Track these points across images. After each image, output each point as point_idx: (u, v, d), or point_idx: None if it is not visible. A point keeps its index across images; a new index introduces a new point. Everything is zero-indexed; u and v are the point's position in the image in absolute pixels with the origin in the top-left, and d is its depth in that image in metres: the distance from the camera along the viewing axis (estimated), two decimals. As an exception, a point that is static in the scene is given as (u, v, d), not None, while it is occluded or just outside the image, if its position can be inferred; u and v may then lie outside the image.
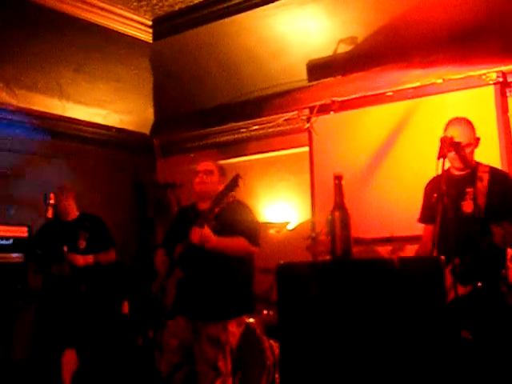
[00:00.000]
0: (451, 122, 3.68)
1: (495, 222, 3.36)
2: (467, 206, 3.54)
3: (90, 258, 5.27)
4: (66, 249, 5.15)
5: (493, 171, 3.65)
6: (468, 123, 3.66)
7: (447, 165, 3.45)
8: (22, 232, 5.88)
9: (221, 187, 3.93)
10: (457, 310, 2.85)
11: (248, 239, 3.86)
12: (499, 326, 3.36)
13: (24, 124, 6.39)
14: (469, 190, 3.57)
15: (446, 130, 3.65)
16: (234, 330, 3.88)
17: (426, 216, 3.80)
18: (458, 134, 3.55)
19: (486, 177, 3.57)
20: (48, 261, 5.22)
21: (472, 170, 3.64)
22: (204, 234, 3.67)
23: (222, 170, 4.15)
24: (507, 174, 3.76)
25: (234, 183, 3.71)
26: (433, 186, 3.74)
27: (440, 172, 3.31)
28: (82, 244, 5.26)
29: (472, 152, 3.65)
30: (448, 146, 3.44)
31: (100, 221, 5.55)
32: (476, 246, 3.37)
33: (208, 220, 3.73)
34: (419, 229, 3.89)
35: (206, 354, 3.78)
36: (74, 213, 5.48)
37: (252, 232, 3.92)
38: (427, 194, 3.82)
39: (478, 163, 3.68)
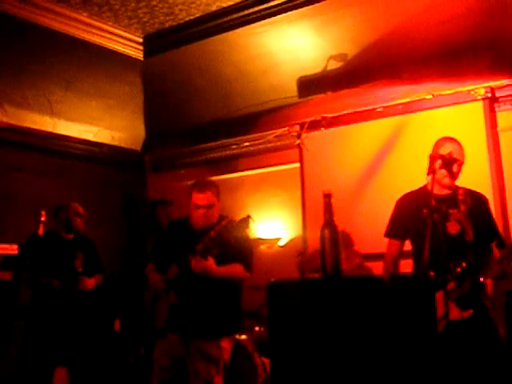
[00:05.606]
0: (445, 140, 3.62)
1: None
2: (452, 228, 3.49)
3: (95, 282, 5.33)
4: (80, 269, 5.20)
5: (472, 194, 3.60)
6: (460, 143, 3.62)
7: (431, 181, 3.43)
8: (12, 249, 5.84)
9: (219, 210, 3.93)
10: (452, 331, 2.85)
11: (244, 266, 3.87)
12: (486, 342, 3.36)
13: (14, 141, 6.38)
14: (452, 211, 3.51)
15: (439, 147, 3.58)
16: (226, 345, 3.86)
17: (395, 230, 3.72)
18: (456, 152, 3.53)
19: (467, 199, 3.52)
20: (38, 273, 5.19)
21: (453, 191, 3.59)
22: (208, 265, 3.66)
23: (217, 192, 4.00)
24: (485, 198, 3.72)
25: (244, 225, 3.71)
26: (406, 201, 3.69)
27: (430, 187, 3.31)
28: (79, 264, 5.25)
29: (459, 172, 3.61)
30: (446, 161, 3.44)
31: (93, 244, 5.54)
32: (474, 276, 3.35)
33: (210, 251, 3.70)
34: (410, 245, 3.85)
35: (200, 371, 3.75)
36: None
37: (248, 259, 3.93)
38: (399, 208, 3.73)
39: (455, 185, 3.62)
